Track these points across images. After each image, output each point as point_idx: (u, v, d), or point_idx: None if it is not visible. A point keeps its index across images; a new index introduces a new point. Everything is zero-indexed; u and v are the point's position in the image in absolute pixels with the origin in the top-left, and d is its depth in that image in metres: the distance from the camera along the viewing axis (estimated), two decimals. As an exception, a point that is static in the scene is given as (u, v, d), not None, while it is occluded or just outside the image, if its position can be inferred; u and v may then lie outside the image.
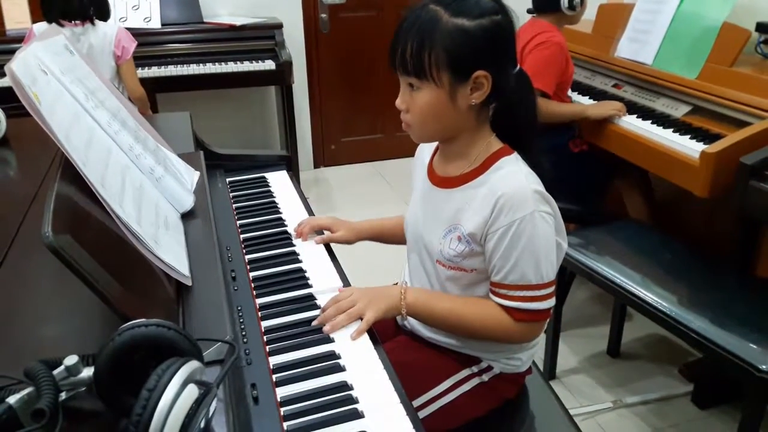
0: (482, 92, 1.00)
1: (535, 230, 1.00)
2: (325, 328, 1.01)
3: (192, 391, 0.57)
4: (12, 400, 0.61)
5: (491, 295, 1.07)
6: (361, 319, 1.03)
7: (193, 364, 0.59)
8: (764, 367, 1.43)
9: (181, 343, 0.63)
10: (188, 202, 1.13)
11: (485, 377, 1.17)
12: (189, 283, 0.91)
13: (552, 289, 1.04)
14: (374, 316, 1.03)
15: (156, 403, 0.55)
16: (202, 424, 0.60)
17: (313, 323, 1.03)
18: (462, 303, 1.10)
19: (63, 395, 0.65)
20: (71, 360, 0.64)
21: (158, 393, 0.55)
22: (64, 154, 0.79)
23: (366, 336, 1.03)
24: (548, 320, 1.10)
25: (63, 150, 0.78)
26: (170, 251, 0.91)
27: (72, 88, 0.97)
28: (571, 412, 1.90)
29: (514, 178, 1.03)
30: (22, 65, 0.83)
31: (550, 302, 1.05)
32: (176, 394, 0.56)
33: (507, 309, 1.04)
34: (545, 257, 1.02)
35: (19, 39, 2.66)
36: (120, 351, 0.62)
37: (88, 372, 0.65)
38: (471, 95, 1.00)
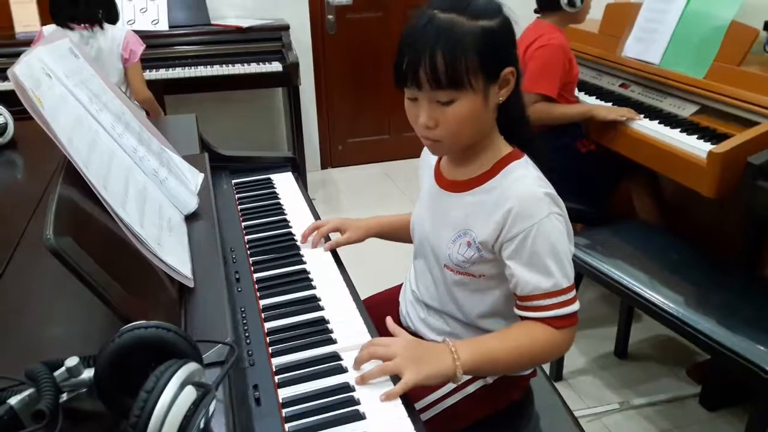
0: (509, 88, 1.01)
1: (554, 232, 0.99)
2: (356, 379, 0.92)
3: (190, 393, 0.58)
4: (13, 401, 0.61)
5: (523, 312, 1.03)
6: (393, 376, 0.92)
7: (191, 366, 0.60)
8: (772, 368, 1.42)
9: (181, 345, 0.64)
10: (192, 203, 1.14)
11: (489, 380, 1.17)
12: (191, 284, 0.91)
13: (575, 290, 1.03)
14: (414, 380, 0.90)
15: (154, 404, 0.55)
16: (201, 426, 0.61)
17: (353, 365, 0.94)
18: (511, 335, 1.02)
19: (64, 396, 0.66)
20: (72, 361, 0.65)
21: (156, 395, 0.55)
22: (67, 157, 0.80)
23: (369, 338, 1.03)
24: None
25: (65, 153, 0.79)
26: (173, 253, 0.92)
27: (76, 91, 0.97)
28: (578, 413, 1.89)
29: (525, 183, 1.02)
30: (25, 69, 0.83)
31: (578, 303, 1.03)
32: (174, 395, 0.56)
33: (547, 321, 1.01)
34: (566, 258, 1.01)
35: (28, 42, 2.68)
36: (120, 352, 0.62)
37: (88, 373, 0.66)
38: (499, 93, 1.00)
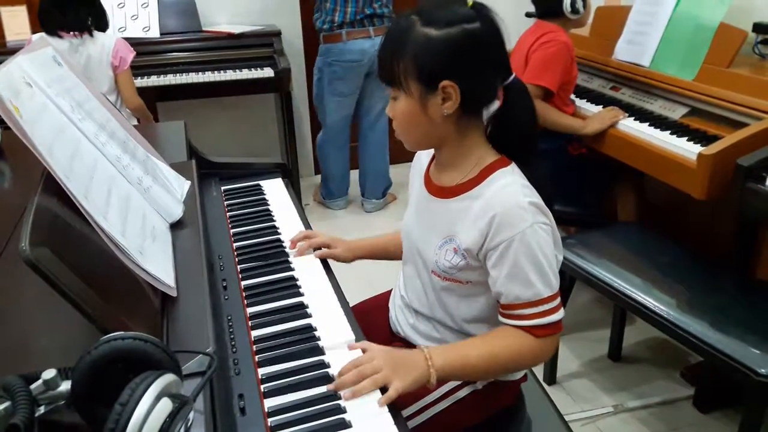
0: (452, 103, 0.98)
1: (538, 242, 0.99)
2: (345, 395, 0.90)
3: (166, 405, 0.57)
4: (-11, 414, 0.61)
5: (505, 320, 1.03)
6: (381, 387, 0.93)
7: (168, 378, 0.59)
8: (764, 370, 1.42)
9: (158, 356, 0.63)
10: (177, 211, 1.13)
11: (479, 385, 1.16)
12: (174, 294, 0.90)
13: (560, 298, 1.03)
14: (402, 386, 0.93)
15: (128, 417, 0.54)
16: (180, 438, 0.60)
17: (329, 387, 0.92)
18: (486, 342, 1.04)
19: (42, 409, 0.65)
20: (49, 374, 0.64)
21: (131, 407, 0.55)
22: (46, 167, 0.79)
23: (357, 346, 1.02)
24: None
25: (44, 163, 0.78)
26: (156, 262, 0.91)
27: (58, 100, 0.97)
28: (572, 416, 1.89)
29: (509, 191, 1.01)
30: (4, 78, 0.83)
31: (562, 311, 1.03)
32: (149, 408, 0.55)
33: (527, 329, 1.01)
34: (550, 267, 1.00)
35: (18, 50, 2.67)
36: (96, 364, 0.61)
37: (66, 385, 0.65)
38: (443, 105, 0.99)
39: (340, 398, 0.90)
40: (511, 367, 1.08)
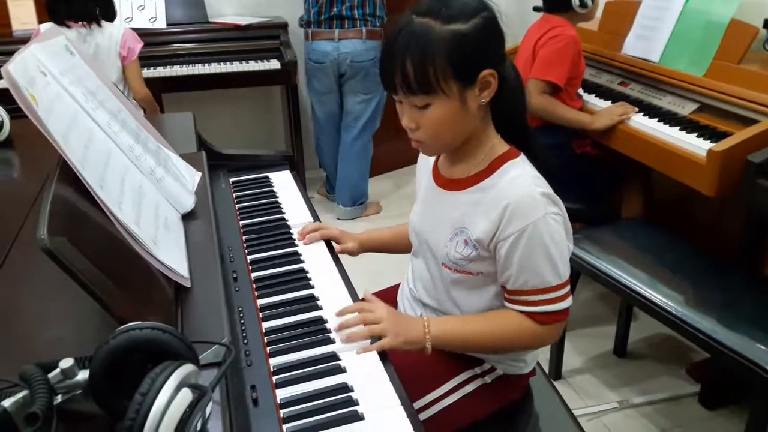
0: (491, 90, 1.00)
1: (549, 232, 0.99)
2: (341, 335, 1.00)
3: (186, 395, 0.57)
4: (7, 403, 0.61)
5: (510, 304, 1.05)
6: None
7: (187, 368, 0.59)
8: (772, 367, 1.41)
9: (176, 346, 0.63)
10: (189, 202, 1.13)
11: (488, 379, 1.17)
12: (188, 284, 0.90)
13: (569, 286, 1.04)
14: (391, 344, 0.99)
15: (149, 407, 0.54)
16: (198, 428, 0.60)
17: (333, 326, 1.02)
18: (486, 320, 1.08)
19: (59, 398, 0.65)
20: (66, 363, 0.64)
21: (151, 397, 0.55)
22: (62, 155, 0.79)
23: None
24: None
25: (60, 152, 0.78)
26: (169, 252, 0.91)
27: (71, 89, 0.96)
28: (577, 412, 1.89)
29: (521, 182, 1.02)
30: (19, 66, 0.82)
31: (570, 300, 1.04)
32: (169, 398, 0.55)
33: (530, 315, 1.03)
34: (560, 257, 1.01)
35: (26, 40, 2.65)
36: (114, 354, 0.61)
37: (83, 375, 0.65)
38: (480, 95, 0.99)
39: (352, 390, 0.90)
40: (511, 347, 1.11)
